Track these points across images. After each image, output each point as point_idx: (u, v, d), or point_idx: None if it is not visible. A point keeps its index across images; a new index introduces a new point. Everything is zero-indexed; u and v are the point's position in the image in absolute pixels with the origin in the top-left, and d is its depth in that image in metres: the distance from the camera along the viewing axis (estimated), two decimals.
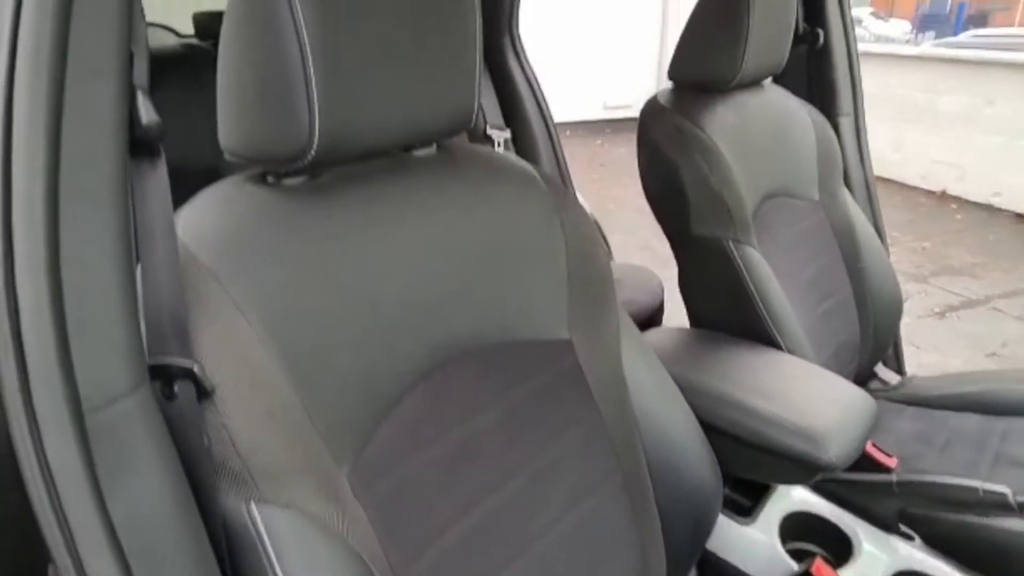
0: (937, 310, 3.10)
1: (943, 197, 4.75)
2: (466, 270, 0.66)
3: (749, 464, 0.86)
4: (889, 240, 1.40)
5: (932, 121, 4.88)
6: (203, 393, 0.48)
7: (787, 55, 1.18)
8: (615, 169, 5.63)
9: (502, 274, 0.69)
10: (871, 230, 1.33)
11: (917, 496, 0.90)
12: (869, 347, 1.29)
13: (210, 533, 0.48)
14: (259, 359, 0.52)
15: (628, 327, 0.80)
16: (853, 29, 1.36)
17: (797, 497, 0.95)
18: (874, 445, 0.97)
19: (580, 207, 0.77)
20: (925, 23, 12.02)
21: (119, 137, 0.41)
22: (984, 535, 0.85)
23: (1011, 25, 12.25)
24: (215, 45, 1.49)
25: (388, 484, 0.58)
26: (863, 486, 0.92)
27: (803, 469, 0.80)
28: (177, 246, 0.50)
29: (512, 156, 0.77)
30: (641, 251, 3.86)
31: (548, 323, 0.72)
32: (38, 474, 0.37)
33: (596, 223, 1.86)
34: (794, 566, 0.90)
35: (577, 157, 1.77)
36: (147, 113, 0.43)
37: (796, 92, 1.30)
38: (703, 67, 1.06)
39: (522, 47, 1.66)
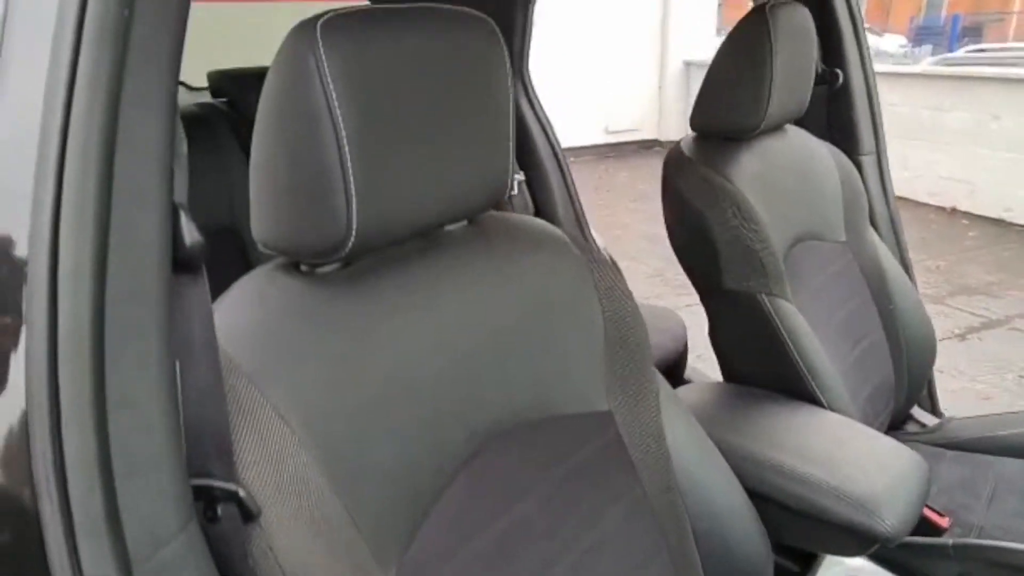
0: (958, 332, 3.06)
1: (953, 214, 4.72)
2: (503, 346, 0.64)
3: (799, 534, 0.83)
4: None
5: (938, 138, 4.87)
6: (248, 515, 0.46)
7: (808, 98, 1.16)
8: (620, 195, 5.63)
9: (539, 347, 0.67)
10: (900, 269, 1.31)
11: (974, 560, 0.87)
12: (904, 389, 1.26)
13: None
14: (302, 467, 0.50)
15: (667, 392, 0.78)
16: (872, 67, 1.35)
17: (850, 564, 0.92)
18: (927, 505, 0.94)
19: (614, 269, 0.75)
20: (920, 36, 12.07)
21: (164, 264, 0.39)
22: None
23: (1005, 36, 12.36)
24: (230, 104, 1.50)
25: None
26: (918, 549, 0.88)
27: (859, 540, 0.77)
28: (219, 360, 0.48)
29: (541, 223, 0.75)
30: (651, 279, 3.84)
31: (587, 394, 0.70)
32: None
33: (611, 258, 1.85)
34: None
35: (582, 183, 1.77)
36: (190, 233, 0.41)
37: (816, 133, 1.29)
38: (727, 116, 1.05)
39: (533, 89, 1.66)
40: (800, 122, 1.28)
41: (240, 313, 0.54)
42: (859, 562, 0.91)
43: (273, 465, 0.48)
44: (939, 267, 3.83)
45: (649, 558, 0.70)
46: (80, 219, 0.35)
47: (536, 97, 1.64)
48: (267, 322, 0.54)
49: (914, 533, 0.87)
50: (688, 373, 1.63)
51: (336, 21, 0.52)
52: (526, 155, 1.62)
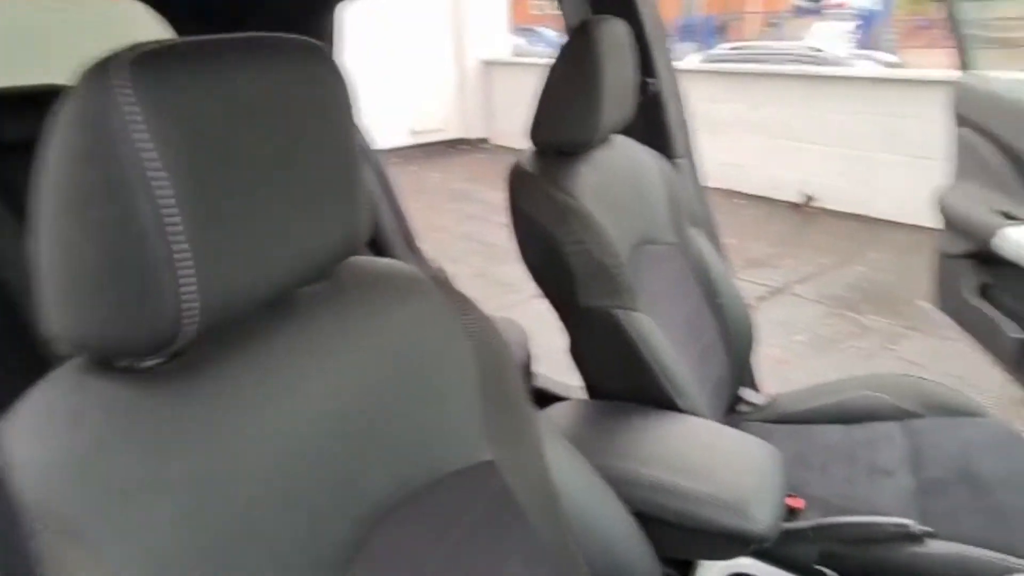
0: (750, 302, 3.42)
1: (730, 194, 5.28)
2: (376, 414, 0.57)
3: (682, 545, 0.85)
4: None
5: (713, 127, 5.41)
6: None
7: (633, 108, 1.20)
8: (435, 197, 5.61)
9: (415, 405, 0.60)
10: (720, 263, 1.40)
11: (830, 538, 0.94)
12: (734, 373, 1.35)
13: None
14: None
15: (547, 427, 0.75)
16: (676, 76, 1.43)
17: (723, 564, 0.95)
18: None
19: (478, 308, 0.70)
20: (683, 34, 13.39)
21: None
22: (894, 564, 0.91)
23: (742, 34, 14.22)
24: None
25: None
26: (782, 536, 0.94)
27: (737, 543, 0.80)
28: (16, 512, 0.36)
29: (401, 267, 0.68)
30: (477, 279, 3.86)
31: (469, 447, 0.65)
32: None
33: (441, 268, 1.80)
34: None
35: (396, 186, 1.70)
36: None
37: (636, 139, 1.34)
38: (565, 131, 1.04)
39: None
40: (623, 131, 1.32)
41: (43, 442, 0.42)
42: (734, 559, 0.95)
43: None
44: (731, 245, 4.26)
45: None
46: None
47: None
48: (88, 451, 0.42)
49: None
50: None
51: (146, 57, 0.41)
52: None
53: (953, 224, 1.94)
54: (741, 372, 1.40)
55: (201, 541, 0.43)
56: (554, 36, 10.41)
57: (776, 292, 3.58)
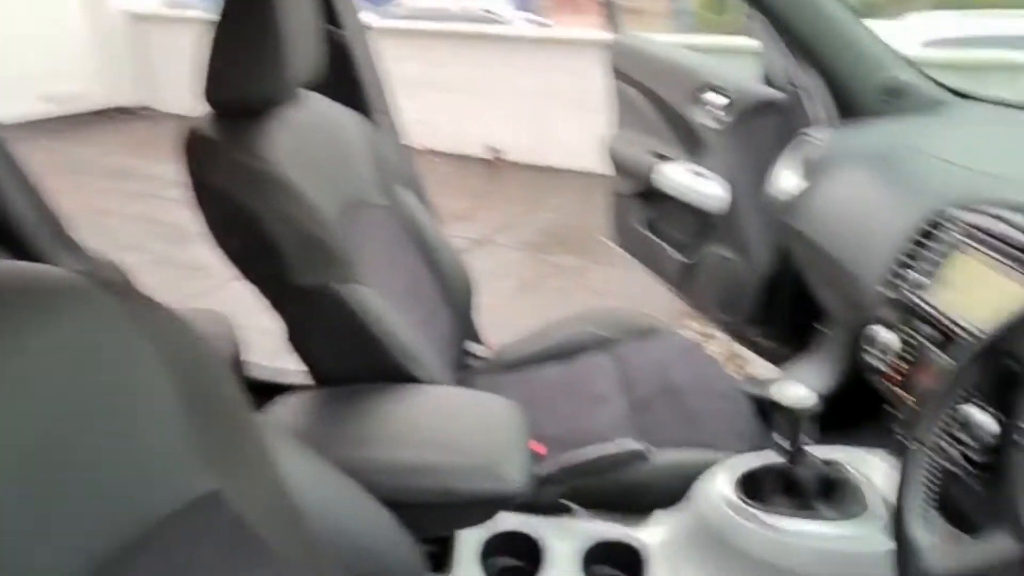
0: None
1: (424, 152, 5.37)
2: (50, 473, 0.42)
3: (440, 521, 0.81)
4: None
5: (399, 86, 5.41)
6: None
7: (321, 60, 1.09)
8: (91, 176, 4.76)
9: (101, 449, 0.46)
10: (431, 221, 1.38)
11: (574, 475, 0.99)
12: (459, 329, 1.36)
13: None
14: None
15: (274, 429, 0.64)
16: (364, 29, 1.34)
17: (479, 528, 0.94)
18: None
19: (162, 307, 0.56)
20: None
21: None
22: (627, 482, 0.99)
23: None
24: None
25: None
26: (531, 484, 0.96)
27: (494, 506, 0.79)
28: None
29: (44, 272, 0.51)
30: (161, 267, 3.39)
31: (181, 480, 0.52)
32: None
33: (112, 262, 1.51)
34: None
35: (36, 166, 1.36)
36: None
37: (327, 95, 1.23)
38: (246, 86, 0.90)
39: None
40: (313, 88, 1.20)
41: None
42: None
43: None
44: (432, 202, 4.33)
45: None
46: None
47: None
48: None
49: None
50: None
51: None
52: None
53: (620, 167, 2.18)
54: (465, 327, 1.41)
55: None
56: None
57: (478, 243, 3.75)
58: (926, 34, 4.17)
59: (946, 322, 0.82)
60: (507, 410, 0.88)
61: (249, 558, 0.54)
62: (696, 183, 1.85)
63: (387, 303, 0.98)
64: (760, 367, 2.38)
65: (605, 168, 2.28)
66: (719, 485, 0.92)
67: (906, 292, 0.90)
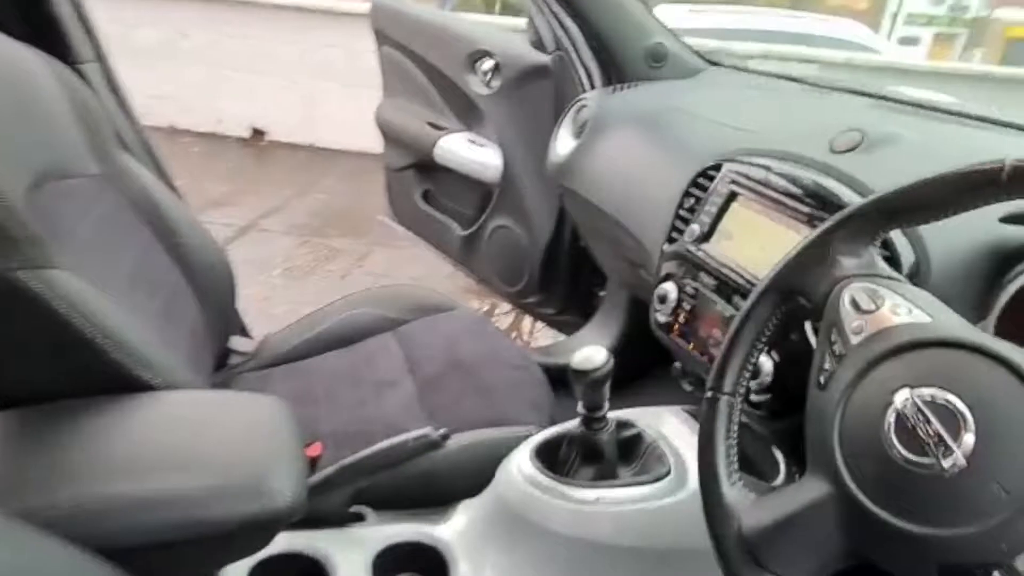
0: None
1: (173, 132, 4.76)
2: None
3: (195, 562, 0.64)
4: None
5: (133, 57, 4.71)
6: None
7: None
8: None
9: None
10: (172, 195, 1.15)
11: (358, 475, 0.86)
12: (217, 325, 1.15)
13: None
14: None
15: None
16: None
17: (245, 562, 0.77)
18: None
19: None
20: None
21: None
22: (422, 473, 0.88)
23: None
24: None
25: None
26: (308, 494, 0.81)
27: (263, 531, 0.63)
28: None
29: None
30: None
31: None
32: None
33: None
34: None
35: None
36: None
37: (11, 34, 0.95)
38: None
39: None
40: None
41: None
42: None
43: None
44: (184, 187, 3.84)
45: None
46: None
47: None
48: None
49: None
50: None
51: None
52: None
53: (393, 139, 2.05)
54: (225, 321, 1.21)
55: None
56: None
57: (244, 230, 3.40)
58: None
59: (725, 271, 0.83)
60: (271, 410, 0.73)
61: None
62: (473, 153, 1.79)
63: (103, 294, 0.76)
64: (548, 336, 2.43)
65: (377, 148, 2.14)
66: (518, 461, 0.86)
67: (687, 245, 0.90)
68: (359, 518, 0.85)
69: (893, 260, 0.66)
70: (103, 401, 0.70)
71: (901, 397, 0.45)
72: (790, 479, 0.83)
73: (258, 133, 4.88)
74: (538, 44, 1.61)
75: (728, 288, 0.82)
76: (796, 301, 0.56)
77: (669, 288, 0.90)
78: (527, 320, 2.58)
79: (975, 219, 0.56)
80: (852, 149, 0.78)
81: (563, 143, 1.34)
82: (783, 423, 0.74)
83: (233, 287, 1.22)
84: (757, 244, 0.80)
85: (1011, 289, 0.61)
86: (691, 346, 0.87)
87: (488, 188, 1.79)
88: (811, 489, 0.49)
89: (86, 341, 0.69)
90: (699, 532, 0.80)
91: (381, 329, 1.26)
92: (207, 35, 4.75)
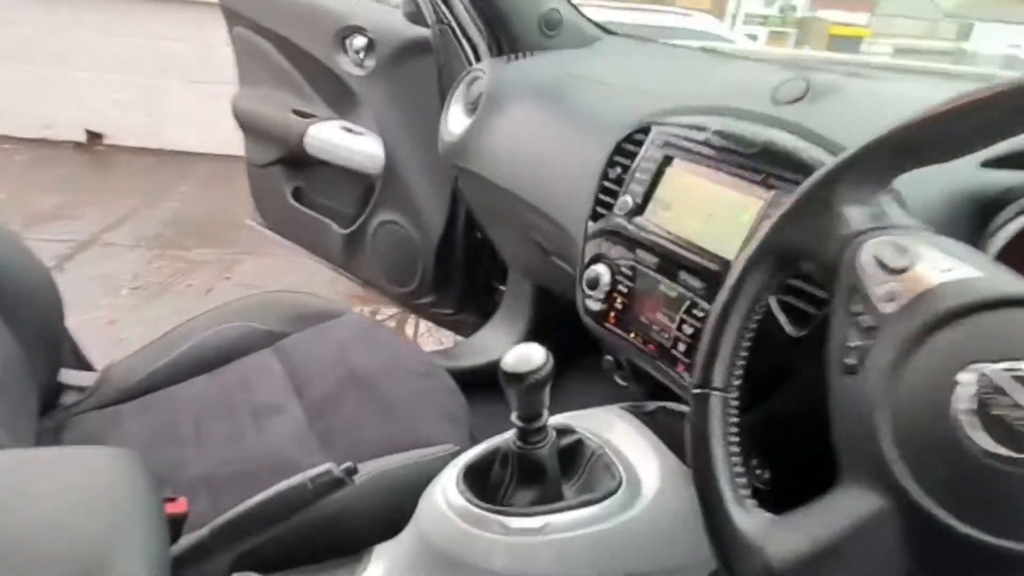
0: (53, 264, 2.74)
1: None
2: None
3: None
4: None
5: None
6: None
7: None
8: None
9: None
10: None
11: (239, 536, 0.67)
12: (40, 357, 0.92)
13: None
14: None
15: None
16: None
17: None
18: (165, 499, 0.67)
19: None
20: None
21: None
22: (326, 517, 0.71)
23: None
24: None
25: None
26: (172, 566, 0.62)
27: None
28: None
29: None
30: None
31: None
32: None
33: None
34: None
35: None
36: None
37: None
38: None
39: None
40: None
41: None
42: None
43: None
44: (4, 201, 3.33)
45: None
46: None
47: None
48: None
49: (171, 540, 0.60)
50: None
51: None
52: None
53: (255, 132, 1.83)
54: (54, 353, 0.97)
55: None
56: None
57: (83, 245, 2.98)
58: None
59: (668, 244, 0.72)
60: (111, 465, 0.53)
61: None
62: (349, 141, 1.61)
63: None
64: (433, 341, 2.27)
65: (238, 149, 1.90)
66: (442, 490, 0.71)
67: (618, 220, 0.78)
68: None
69: None
70: None
71: (971, 375, 0.35)
72: (755, 479, 0.74)
73: (95, 137, 4.34)
74: (415, 16, 1.46)
75: (672, 264, 0.72)
76: (796, 268, 0.46)
77: (600, 271, 0.79)
78: (410, 325, 2.41)
79: (953, 163, 0.48)
80: (798, 99, 0.69)
81: (456, 120, 1.20)
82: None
83: (60, 311, 0.98)
84: (702, 211, 0.70)
85: (998, 242, 0.54)
86: (632, 335, 0.76)
87: (369, 180, 1.62)
88: (857, 503, 0.38)
89: None
90: (663, 550, 0.69)
91: (257, 345, 1.06)
92: (27, 28, 4.16)
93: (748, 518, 0.42)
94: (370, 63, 1.53)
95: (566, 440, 0.75)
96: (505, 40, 1.22)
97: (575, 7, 1.25)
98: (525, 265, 1.33)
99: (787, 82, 0.72)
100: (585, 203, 0.85)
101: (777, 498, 0.45)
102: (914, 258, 0.40)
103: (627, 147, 0.81)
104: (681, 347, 0.69)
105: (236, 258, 2.95)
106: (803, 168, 0.62)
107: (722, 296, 0.47)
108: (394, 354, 1.06)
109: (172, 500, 0.66)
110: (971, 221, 0.56)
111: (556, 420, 0.77)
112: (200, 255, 2.97)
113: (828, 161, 0.61)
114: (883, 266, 0.40)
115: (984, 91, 0.40)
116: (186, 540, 0.66)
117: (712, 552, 0.44)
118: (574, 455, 0.75)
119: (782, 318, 0.61)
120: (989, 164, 0.56)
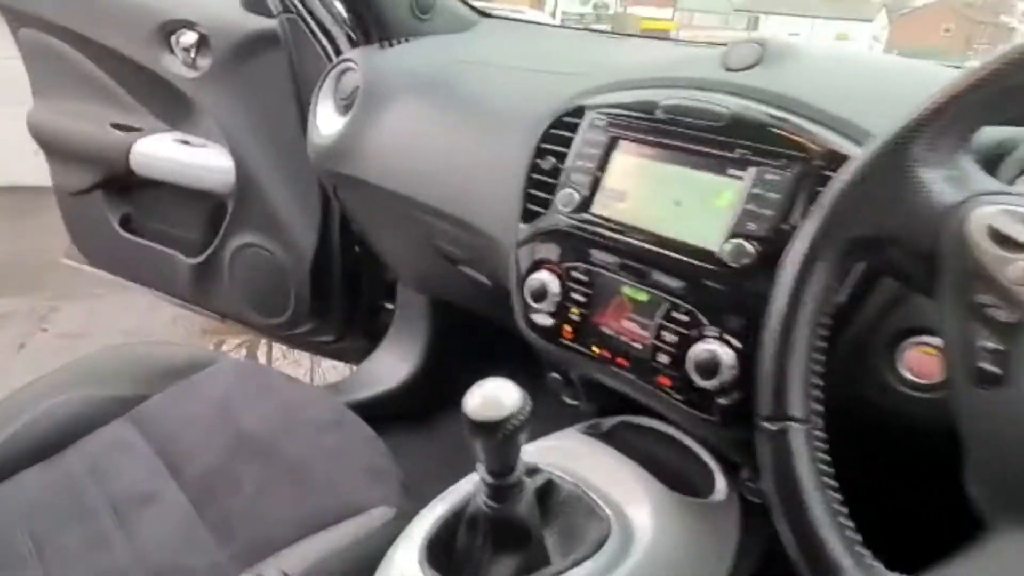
0: None
1: None
2: None
3: None
4: None
5: None
6: None
7: None
8: None
9: None
10: None
11: None
12: None
13: None
14: None
15: None
16: None
17: None
18: None
19: None
20: None
21: None
22: None
23: None
24: None
25: None
26: None
27: None
28: None
29: None
30: None
31: None
32: None
33: None
34: None
35: None
36: None
37: None
38: None
39: None
40: None
41: None
42: None
43: None
44: None
45: None
46: None
47: None
48: None
49: None
50: None
51: None
52: None
53: (63, 153, 1.53)
54: None
55: None
56: None
57: None
58: None
59: (630, 240, 0.62)
60: None
61: None
62: (187, 156, 1.38)
63: None
64: (331, 370, 2.04)
65: (40, 178, 1.58)
66: (399, 571, 0.56)
67: (561, 218, 0.67)
68: None
69: None
70: None
71: None
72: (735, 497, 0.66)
73: None
74: (255, 5, 1.26)
75: (638, 263, 0.61)
76: (878, 253, 0.36)
77: (546, 279, 0.67)
78: (262, 351, 2.16)
79: None
80: (754, 65, 0.62)
81: (327, 121, 1.03)
82: (741, 431, 0.53)
83: None
84: (666, 199, 0.61)
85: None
86: (596, 349, 0.65)
87: (217, 199, 1.39)
88: (1018, 548, 0.29)
89: None
90: None
91: (106, 417, 0.83)
92: None
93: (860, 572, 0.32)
94: (204, 63, 1.31)
95: (536, 483, 0.62)
96: (373, 26, 1.07)
97: None
98: (422, 278, 1.18)
99: (736, 47, 0.64)
100: (511, 202, 0.73)
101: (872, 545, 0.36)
102: None
103: (557, 133, 0.69)
104: (663, 358, 0.59)
105: (52, 304, 2.51)
106: (784, 141, 0.54)
107: (779, 303, 0.37)
108: (289, 403, 0.87)
109: None
110: None
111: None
112: (7, 306, 2.49)
113: (814, 129, 0.55)
114: (1005, 240, 0.32)
115: None
116: None
117: None
118: (544, 498, 0.63)
119: None
120: None
